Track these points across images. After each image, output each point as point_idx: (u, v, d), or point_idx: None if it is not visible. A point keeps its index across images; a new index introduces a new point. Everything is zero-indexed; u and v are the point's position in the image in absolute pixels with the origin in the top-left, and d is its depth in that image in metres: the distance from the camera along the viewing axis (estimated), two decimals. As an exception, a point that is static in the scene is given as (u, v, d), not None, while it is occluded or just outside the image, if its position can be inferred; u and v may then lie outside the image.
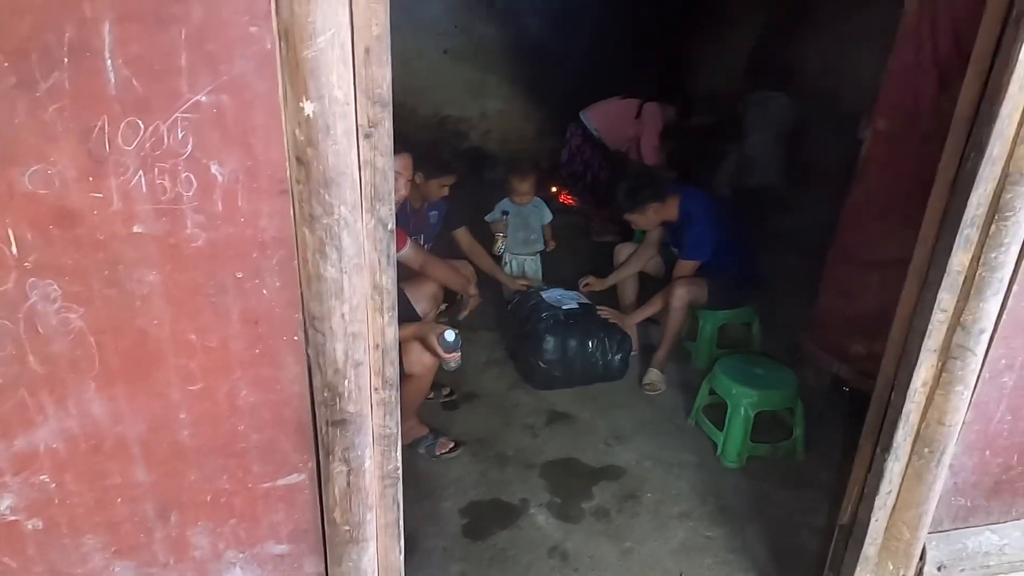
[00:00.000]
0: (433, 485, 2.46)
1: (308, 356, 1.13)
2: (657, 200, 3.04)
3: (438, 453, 2.61)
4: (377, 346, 1.14)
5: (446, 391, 3.02)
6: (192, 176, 0.97)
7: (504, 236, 3.56)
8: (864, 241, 2.75)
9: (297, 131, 0.96)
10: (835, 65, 6.01)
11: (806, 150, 6.16)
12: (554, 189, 5.66)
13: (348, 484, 1.22)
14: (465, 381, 3.10)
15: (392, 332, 1.15)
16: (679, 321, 3.09)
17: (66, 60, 0.87)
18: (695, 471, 2.57)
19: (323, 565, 1.33)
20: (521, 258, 3.61)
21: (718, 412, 2.74)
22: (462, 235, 3.36)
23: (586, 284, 3.37)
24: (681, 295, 3.01)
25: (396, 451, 1.25)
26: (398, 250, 2.75)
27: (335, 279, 1.05)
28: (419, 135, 6.07)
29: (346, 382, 1.13)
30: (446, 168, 3.00)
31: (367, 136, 0.99)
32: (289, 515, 1.28)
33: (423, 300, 2.74)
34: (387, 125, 1.01)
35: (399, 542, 1.36)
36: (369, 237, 1.06)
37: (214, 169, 0.97)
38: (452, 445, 2.64)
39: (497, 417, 2.87)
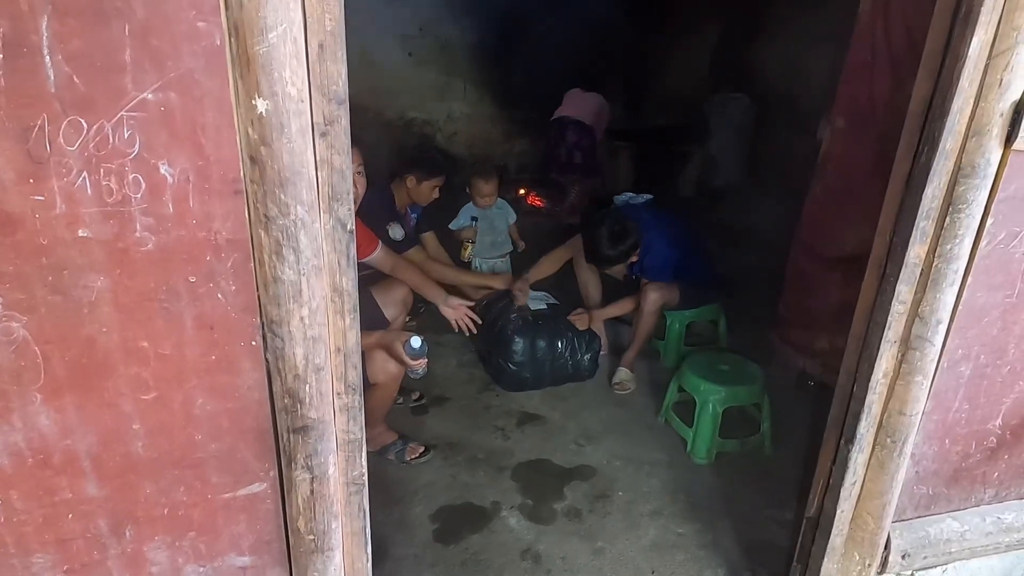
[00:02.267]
0: (403, 491, 2.43)
1: (267, 361, 1.10)
2: (636, 248, 3.02)
3: (408, 459, 2.58)
4: (338, 350, 1.12)
5: (415, 396, 2.98)
6: (140, 177, 0.94)
7: (472, 243, 3.54)
8: (825, 238, 2.80)
9: (250, 129, 0.93)
10: (793, 67, 6.14)
11: (767, 150, 6.29)
12: (522, 191, 5.67)
13: (312, 492, 1.19)
14: (435, 385, 3.07)
15: (354, 336, 1.12)
16: (651, 324, 3.12)
17: (1, 56, 0.84)
18: (665, 469, 2.58)
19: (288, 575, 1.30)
20: (491, 262, 3.59)
21: (687, 409, 2.76)
22: (429, 239, 3.34)
23: (578, 314, 3.20)
24: (654, 299, 3.03)
25: (361, 457, 1.22)
26: (369, 253, 2.74)
27: (293, 282, 1.03)
28: (386, 138, 6.03)
29: (307, 387, 1.10)
30: (438, 169, 2.99)
31: (323, 134, 0.97)
32: (251, 526, 1.24)
33: (392, 305, 2.71)
34: (344, 123, 0.98)
35: (366, 550, 1.33)
36: (328, 238, 1.03)
37: (163, 170, 0.94)
38: (422, 450, 2.61)
39: (467, 420, 2.85)
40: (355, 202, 2.42)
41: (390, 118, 6.25)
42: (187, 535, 1.21)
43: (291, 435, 1.14)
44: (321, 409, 1.13)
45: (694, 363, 2.72)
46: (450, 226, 3.58)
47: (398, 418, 2.75)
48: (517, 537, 2.24)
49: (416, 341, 2.24)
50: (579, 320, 3.12)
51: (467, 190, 3.56)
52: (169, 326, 1.04)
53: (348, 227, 1.04)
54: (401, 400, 2.96)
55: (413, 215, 3.27)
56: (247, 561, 1.26)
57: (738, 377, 2.64)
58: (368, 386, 2.44)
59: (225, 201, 0.98)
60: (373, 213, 2.89)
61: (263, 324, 1.07)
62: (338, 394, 1.15)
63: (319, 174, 0.99)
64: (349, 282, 1.08)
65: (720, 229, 4.71)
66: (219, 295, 1.04)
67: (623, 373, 3.12)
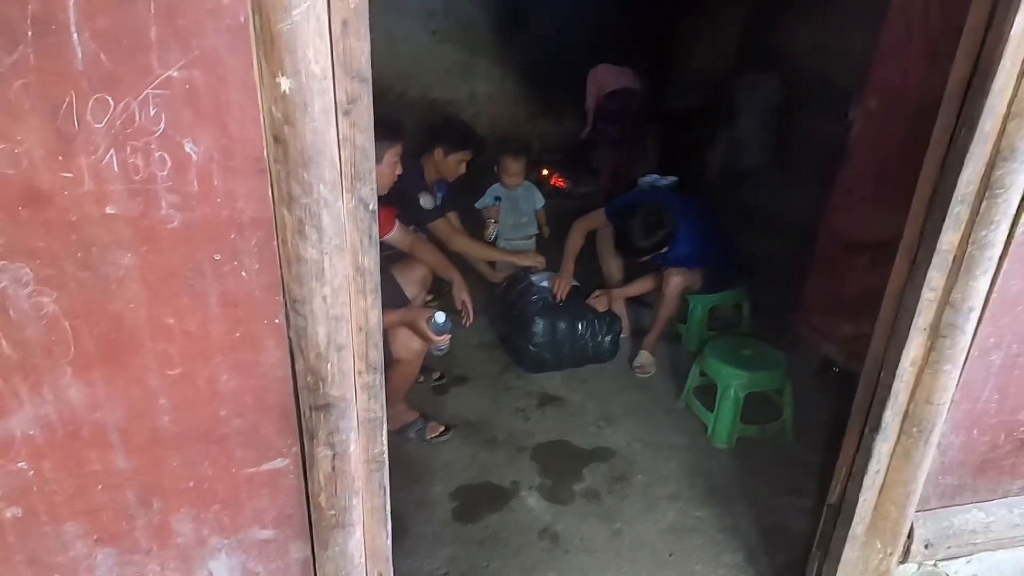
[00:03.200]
0: (423, 469, 2.46)
1: (290, 340, 1.11)
2: (670, 240, 2.94)
3: (428, 437, 2.60)
4: (360, 329, 1.12)
5: (436, 375, 3.00)
6: (166, 155, 0.94)
7: (496, 222, 3.52)
8: (853, 223, 2.75)
9: (273, 108, 0.93)
10: (825, 45, 5.98)
11: (795, 132, 6.16)
12: (545, 172, 5.63)
13: (333, 469, 1.21)
14: (455, 365, 3.09)
15: (375, 315, 1.13)
16: (673, 308, 3.10)
17: (30, 34, 0.84)
18: (685, 452, 2.57)
19: (309, 550, 1.32)
20: (514, 243, 3.57)
21: (708, 394, 2.75)
22: (451, 218, 3.33)
23: (597, 296, 3.15)
24: (677, 284, 3.00)
25: (382, 435, 1.23)
26: (386, 232, 2.75)
27: (316, 260, 1.03)
28: (409, 118, 6.02)
29: (329, 366, 1.11)
30: (465, 142, 2.97)
31: (346, 113, 0.97)
32: (273, 500, 1.26)
33: (412, 284, 2.72)
34: (366, 101, 0.98)
35: (386, 527, 1.35)
36: (350, 217, 1.03)
37: (188, 148, 0.95)
38: (442, 429, 2.63)
39: (487, 401, 2.87)
40: (385, 188, 2.46)
41: (413, 98, 6.22)
42: (211, 508, 1.24)
43: (313, 412, 1.15)
44: (343, 387, 1.14)
45: (716, 347, 2.70)
46: (476, 204, 3.57)
47: (418, 397, 2.77)
48: (535, 517, 2.26)
49: (440, 317, 2.27)
50: (598, 302, 3.10)
51: (494, 169, 3.53)
52: (194, 303, 1.05)
53: (370, 207, 1.04)
54: (422, 379, 2.98)
55: (439, 193, 3.26)
56: (270, 534, 1.29)
57: (760, 362, 2.62)
58: (391, 363, 2.46)
59: (249, 180, 0.99)
60: (403, 183, 2.87)
61: (286, 303, 1.08)
62: (359, 373, 1.15)
63: (342, 153, 0.99)
64: (371, 261, 1.08)
65: (745, 212, 4.64)
66: (243, 273, 1.05)
67: (644, 356, 3.10)
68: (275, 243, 1.03)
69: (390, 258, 2.71)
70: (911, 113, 2.44)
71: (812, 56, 6.07)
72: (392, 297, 2.54)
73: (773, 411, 2.75)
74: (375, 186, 1.05)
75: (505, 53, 6.42)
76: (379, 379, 1.19)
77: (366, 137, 1.00)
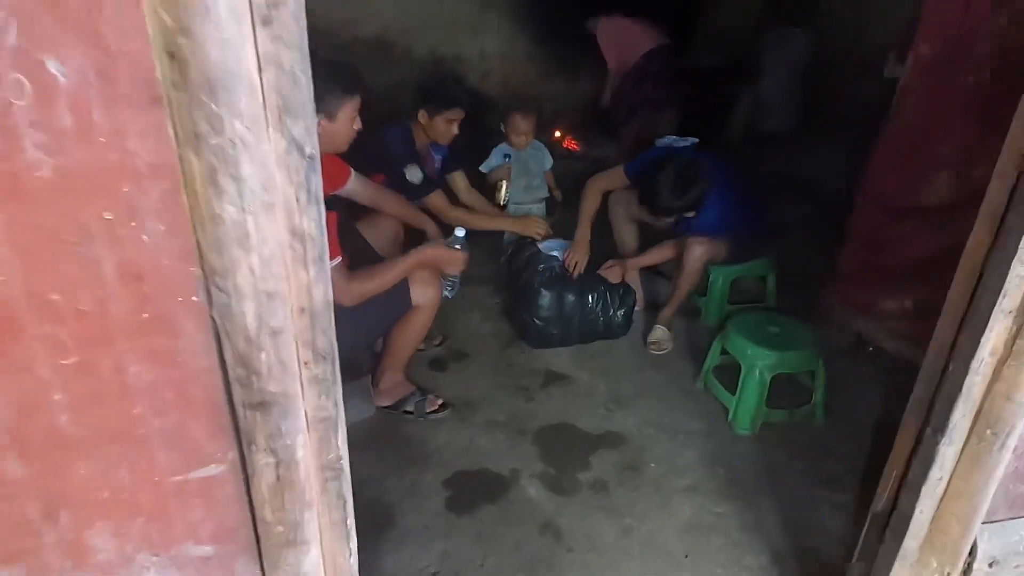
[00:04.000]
0: (415, 453, 2.25)
1: (213, 322, 0.88)
2: (701, 202, 2.64)
3: (427, 411, 2.40)
4: (303, 310, 0.89)
5: (437, 340, 2.80)
6: (22, 78, 0.70)
7: (508, 183, 3.24)
8: (899, 186, 2.46)
9: (162, 11, 0.69)
10: (860, 0, 5.60)
11: (825, 92, 5.80)
12: (558, 134, 5.34)
13: (278, 478, 0.98)
14: (455, 339, 2.86)
15: (322, 292, 0.89)
16: (693, 281, 2.83)
17: None
18: (703, 439, 2.34)
19: (258, 568, 1.11)
20: (525, 207, 3.30)
21: (729, 374, 2.51)
22: (458, 179, 3.06)
23: (610, 266, 2.88)
24: (700, 255, 2.73)
25: (337, 437, 1.01)
26: (341, 184, 2.48)
27: (237, 221, 0.79)
28: (414, 77, 5.70)
29: (263, 355, 0.88)
30: (450, 101, 2.69)
31: (266, 22, 0.72)
32: (210, 513, 1.04)
33: (383, 240, 2.50)
34: (295, 7, 0.73)
35: (349, 544, 1.13)
36: (280, 165, 0.79)
37: (52, 67, 0.70)
38: (441, 403, 2.43)
39: (488, 378, 2.65)
40: (343, 146, 2.21)
41: (419, 55, 5.90)
42: (135, 521, 1.02)
43: (248, 412, 0.92)
44: (283, 382, 0.91)
45: (740, 324, 2.44)
46: (480, 168, 3.29)
47: (413, 374, 2.56)
48: (536, 509, 2.05)
49: (461, 231, 2.27)
50: (611, 272, 2.85)
51: (502, 127, 3.25)
52: (85, 275, 0.82)
53: (307, 151, 0.80)
54: (423, 346, 2.77)
55: (437, 155, 3.00)
56: (209, 551, 1.07)
57: (790, 341, 2.36)
58: (397, 322, 2.27)
59: (140, 112, 0.74)
60: (389, 153, 2.64)
61: (204, 275, 0.84)
62: (304, 364, 0.92)
63: (263, 77, 0.74)
64: (312, 223, 0.84)
65: (770, 178, 4.33)
66: (145, 237, 0.81)
67: (659, 332, 2.86)
68: (183, 198, 0.79)
69: (354, 213, 2.48)
70: (972, 61, 2.14)
71: (845, 8, 5.68)
72: (362, 256, 2.33)
73: (801, 394, 2.51)
74: (314, 125, 0.80)
75: (517, 8, 6.07)
76: (332, 371, 0.96)
77: (297, 57, 0.75)
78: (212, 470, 1.00)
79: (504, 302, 3.09)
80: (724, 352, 2.53)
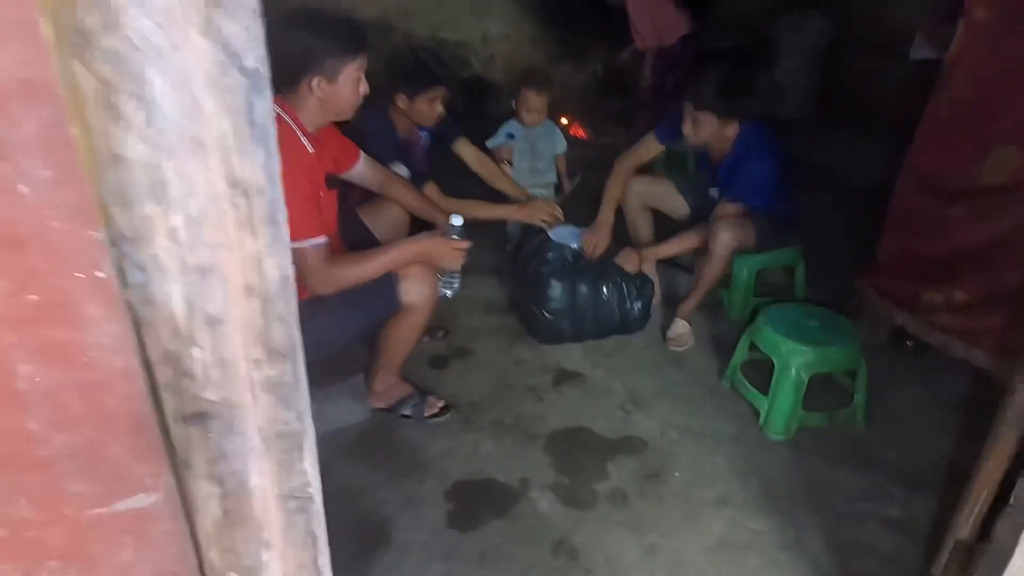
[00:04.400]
0: (413, 461, 2.03)
1: (129, 307, 0.65)
2: (748, 117, 2.42)
3: (426, 414, 2.17)
4: (251, 290, 0.66)
5: (440, 333, 2.57)
6: None
7: (510, 163, 3.01)
8: (948, 165, 2.22)
9: None
10: None
11: (844, 77, 5.58)
12: (565, 120, 5.10)
13: (225, 512, 0.76)
14: (458, 335, 2.64)
15: (277, 265, 0.66)
16: (719, 271, 2.57)
17: None
18: (733, 444, 2.12)
19: (211, 619, 0.89)
20: (532, 191, 3.07)
21: (759, 371, 2.28)
22: (464, 148, 2.80)
23: (626, 254, 2.63)
24: (727, 241, 2.48)
25: (304, 459, 0.78)
26: (350, 165, 2.25)
27: (148, 164, 0.56)
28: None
29: (196, 352, 0.65)
30: (426, 80, 2.44)
31: None
32: (143, 553, 0.82)
33: (385, 228, 2.27)
34: None
35: (322, 588, 0.90)
36: (210, 83, 0.56)
37: None
38: (442, 405, 2.21)
39: (494, 377, 2.42)
40: (347, 114, 1.99)
41: (420, 39, 5.67)
42: (44, 563, 0.79)
43: (181, 427, 0.70)
44: (225, 387, 0.68)
45: (773, 316, 2.21)
46: (487, 143, 3.05)
47: (411, 374, 2.33)
48: (549, 525, 1.82)
49: (457, 219, 1.98)
50: (628, 260, 2.61)
51: (513, 103, 3.01)
52: (-56, 241, 0.59)
53: (249, 63, 0.57)
54: (426, 339, 2.54)
55: (423, 133, 2.75)
56: (145, 599, 0.85)
57: (829, 336, 2.13)
58: (389, 320, 2.03)
59: (-2, -2, 0.51)
60: (369, 150, 2.37)
61: (111, 241, 0.61)
62: (256, 363, 0.69)
63: (178, -53, 0.51)
64: (259, 170, 0.61)
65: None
66: (22, 187, 0.58)
67: (680, 326, 2.62)
68: (72, 130, 0.56)
69: (357, 199, 2.25)
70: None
71: (865, -9, 5.46)
72: (362, 245, 2.09)
73: (838, 395, 2.28)
74: (259, 27, 0.57)
75: (522, -10, 5.85)
76: (294, 373, 0.73)
77: (228, -80, 0.52)
78: (141, 500, 0.77)
79: (511, 295, 2.86)
80: (753, 347, 2.31)
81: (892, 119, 4.48)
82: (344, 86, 1.85)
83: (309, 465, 0.79)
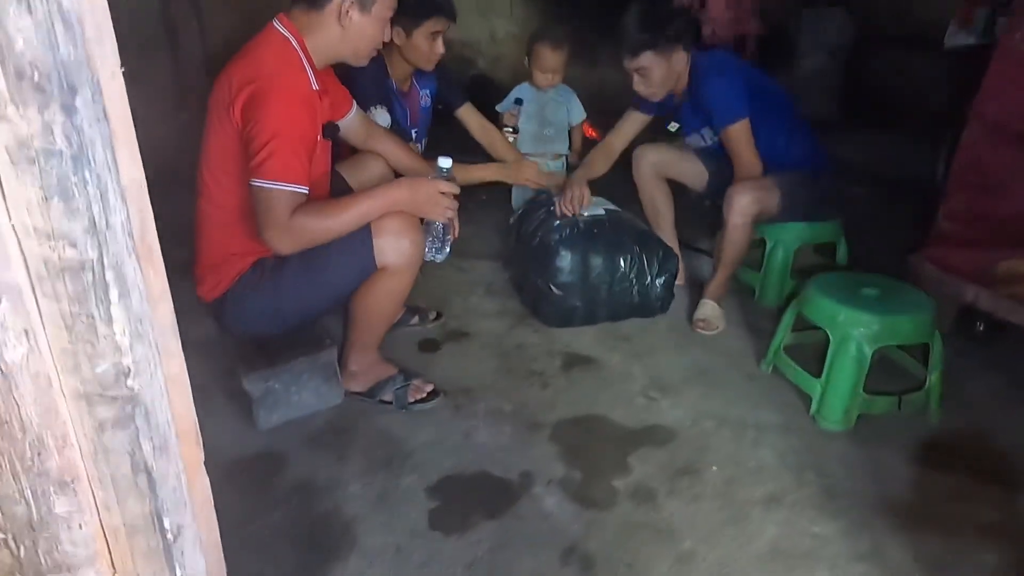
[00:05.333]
0: (390, 452, 1.67)
1: None
2: (687, 42, 2.14)
3: (411, 400, 1.82)
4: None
5: (433, 315, 2.23)
6: None
7: (514, 132, 2.69)
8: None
9: None
10: None
11: (868, 74, 5.30)
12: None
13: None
14: (451, 317, 2.29)
15: None
16: (742, 242, 2.20)
17: None
18: (780, 435, 1.74)
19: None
20: (535, 159, 2.75)
21: (805, 356, 1.92)
22: (468, 114, 2.48)
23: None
24: (745, 205, 2.12)
25: (116, 316, 0.43)
26: (343, 113, 1.95)
27: None
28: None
29: None
30: (431, 7, 2.13)
31: None
32: None
33: (367, 186, 1.94)
34: None
35: None
36: None
37: None
38: (430, 389, 1.85)
39: (492, 361, 2.06)
40: (364, 55, 1.61)
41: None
42: None
43: None
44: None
45: (825, 284, 1.85)
46: (497, 107, 2.74)
47: (396, 357, 1.98)
48: (556, 527, 1.45)
49: (446, 161, 1.67)
50: (566, 197, 2.22)
51: (526, 62, 2.71)
52: None
53: None
54: (416, 320, 2.20)
55: (424, 91, 2.44)
56: None
57: (895, 304, 1.77)
58: (364, 288, 1.70)
59: None
60: (359, 86, 2.05)
61: None
62: None
63: None
64: None
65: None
66: None
67: (708, 307, 2.26)
68: None
69: (336, 154, 1.93)
70: None
71: (888, -14, 5.24)
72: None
73: (903, 379, 1.90)
74: None
75: (530, -13, 5.65)
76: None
77: None
78: None
79: (514, 276, 2.51)
80: (798, 327, 1.95)
81: (925, 114, 4.18)
82: (374, 22, 1.61)
83: (123, 319, 0.44)
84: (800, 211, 2.31)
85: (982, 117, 2.02)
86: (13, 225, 0.38)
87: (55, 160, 0.38)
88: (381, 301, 1.74)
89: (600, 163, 2.44)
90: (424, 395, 1.85)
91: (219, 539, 0.65)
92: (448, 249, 1.79)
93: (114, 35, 0.43)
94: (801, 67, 5.36)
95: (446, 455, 1.66)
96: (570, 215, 2.22)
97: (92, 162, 0.39)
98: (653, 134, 2.60)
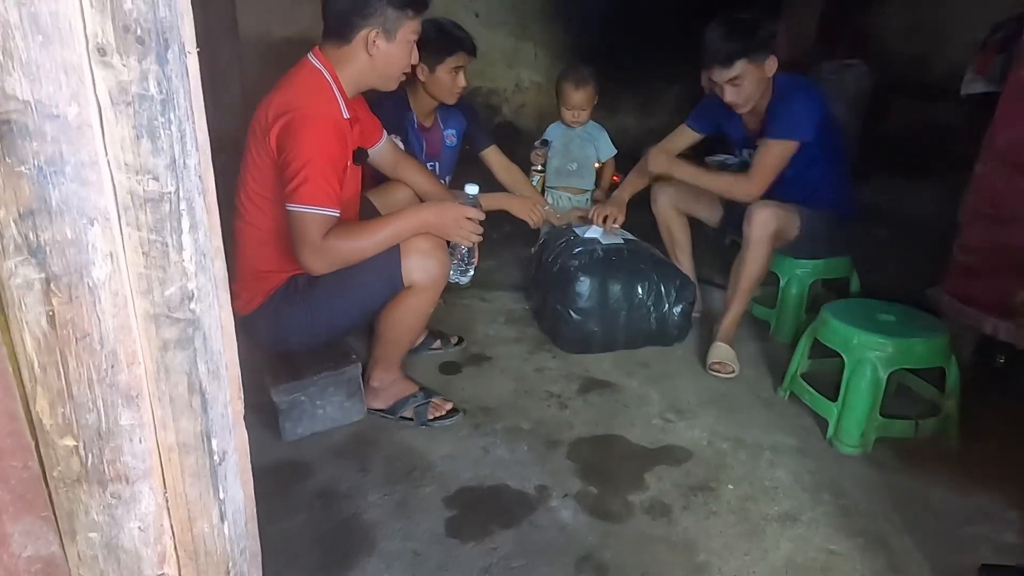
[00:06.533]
0: (411, 463, 1.71)
1: None
2: (774, 46, 2.10)
3: (431, 417, 1.87)
4: None
5: (454, 340, 2.29)
6: None
7: (541, 171, 2.78)
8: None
9: None
10: (922, 25, 5.28)
11: (887, 123, 5.39)
12: (597, 164, 4.94)
13: (50, 316, 0.48)
14: (473, 342, 2.34)
15: None
16: (760, 263, 2.16)
17: None
18: (795, 457, 1.75)
19: None
20: (558, 194, 2.83)
21: (823, 381, 1.93)
22: (493, 156, 2.57)
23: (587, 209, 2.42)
24: (765, 221, 2.11)
25: (186, 242, 0.51)
26: (374, 141, 2.06)
27: None
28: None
29: None
30: (452, 45, 2.25)
31: None
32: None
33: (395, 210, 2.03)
34: None
35: None
36: None
37: None
38: (450, 407, 1.90)
39: (511, 383, 2.11)
40: (393, 80, 1.73)
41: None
42: None
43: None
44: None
45: (840, 309, 1.88)
46: (536, 144, 2.84)
47: (419, 378, 2.03)
48: (572, 537, 1.47)
49: (472, 188, 1.76)
50: (599, 213, 2.32)
51: (556, 100, 2.81)
52: None
53: None
54: (437, 344, 2.26)
55: (450, 131, 2.54)
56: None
57: (910, 328, 1.79)
58: (390, 307, 1.77)
59: None
60: (379, 115, 2.15)
61: None
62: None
63: None
64: None
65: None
66: None
67: (722, 350, 2.19)
68: None
69: (364, 182, 2.02)
70: None
71: (906, 37, 5.37)
72: None
73: (919, 404, 1.91)
74: None
75: (555, 39, 5.87)
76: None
77: None
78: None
79: (535, 305, 2.57)
80: (814, 354, 1.97)
81: (944, 161, 4.23)
82: (400, 47, 1.71)
83: (191, 248, 0.52)
84: (820, 245, 2.33)
85: (995, 149, 2.07)
86: (108, 160, 0.46)
87: (147, 104, 0.45)
88: (406, 318, 1.81)
89: (644, 175, 2.49)
90: (444, 412, 1.89)
91: (253, 490, 0.70)
92: (472, 272, 1.87)
93: (192, 17, 0.52)
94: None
95: (465, 468, 1.69)
96: (604, 223, 2.34)
97: (176, 107, 0.47)
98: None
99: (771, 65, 2.11)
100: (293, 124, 1.58)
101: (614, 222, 2.38)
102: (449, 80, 2.25)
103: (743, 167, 2.35)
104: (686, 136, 2.46)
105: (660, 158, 2.33)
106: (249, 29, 4.09)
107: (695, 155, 2.62)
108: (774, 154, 2.13)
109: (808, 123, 2.12)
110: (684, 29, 4.91)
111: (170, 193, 0.48)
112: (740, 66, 2.06)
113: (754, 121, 2.28)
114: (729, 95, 2.12)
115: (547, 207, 2.52)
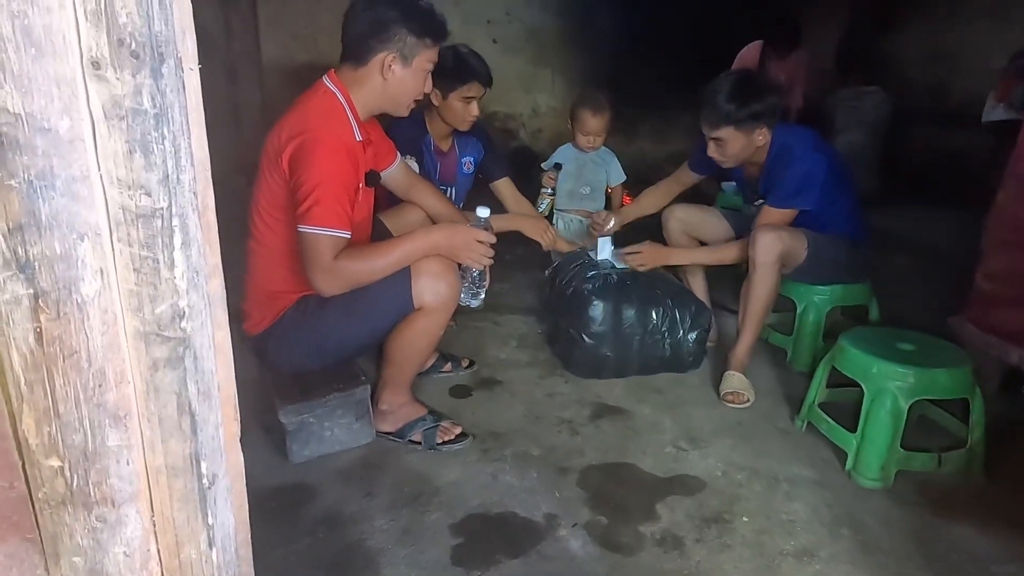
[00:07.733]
0: (418, 489, 1.68)
1: None
2: (771, 121, 2.12)
3: (440, 441, 1.84)
4: None
5: (465, 363, 2.27)
6: None
7: (551, 193, 2.78)
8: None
9: None
10: (939, 51, 5.27)
11: (905, 149, 5.36)
12: (609, 189, 4.95)
13: (39, 334, 0.47)
14: (484, 366, 2.32)
15: None
16: (768, 289, 2.12)
17: None
18: (814, 490, 1.69)
19: None
20: (569, 217, 2.82)
21: (841, 412, 1.88)
22: (505, 187, 2.59)
23: (634, 250, 2.31)
24: (769, 245, 2.07)
25: (177, 251, 0.50)
26: (388, 164, 2.07)
27: None
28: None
29: None
30: (466, 74, 2.27)
31: None
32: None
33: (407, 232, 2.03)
34: None
35: None
36: None
37: None
38: (459, 431, 1.87)
39: (522, 408, 2.08)
40: (405, 106, 1.73)
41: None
42: None
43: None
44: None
45: (859, 337, 1.84)
46: (543, 165, 2.86)
47: (428, 401, 2.02)
48: (581, 568, 1.43)
49: (484, 211, 1.76)
50: (636, 257, 2.26)
51: (569, 124, 2.82)
52: None
53: None
54: (448, 367, 2.24)
55: (467, 158, 2.55)
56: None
57: (932, 358, 1.74)
58: (400, 328, 1.76)
59: None
60: (393, 138, 2.17)
61: None
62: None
63: None
64: None
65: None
66: None
67: (736, 379, 2.14)
68: None
69: (378, 204, 2.03)
70: None
71: (924, 63, 5.36)
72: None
73: (943, 438, 1.85)
74: None
75: (572, 66, 5.92)
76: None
77: None
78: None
79: (547, 329, 2.55)
80: (832, 384, 1.92)
81: (964, 187, 4.18)
82: (415, 75, 1.73)
83: (183, 265, 0.51)
84: (831, 268, 2.29)
85: (1017, 176, 2.03)
86: (101, 174, 0.45)
87: (140, 118, 0.45)
88: (416, 339, 1.79)
89: (648, 202, 2.55)
90: (452, 436, 1.87)
91: (247, 515, 0.68)
92: (483, 295, 1.85)
93: (194, 31, 0.51)
94: (839, 143, 5.44)
95: (472, 494, 1.66)
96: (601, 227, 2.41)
97: (171, 122, 0.46)
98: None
99: (760, 137, 2.13)
100: (305, 146, 1.59)
101: (609, 223, 2.43)
102: (461, 108, 2.26)
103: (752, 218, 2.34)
104: (685, 177, 2.50)
105: (658, 253, 2.32)
106: (272, 55, 4.17)
107: (711, 177, 2.62)
108: (775, 220, 2.16)
109: (809, 191, 2.13)
110: (700, 57, 4.94)
111: (162, 209, 0.47)
112: (726, 131, 2.10)
113: (753, 169, 2.31)
114: (711, 150, 2.17)
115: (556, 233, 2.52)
